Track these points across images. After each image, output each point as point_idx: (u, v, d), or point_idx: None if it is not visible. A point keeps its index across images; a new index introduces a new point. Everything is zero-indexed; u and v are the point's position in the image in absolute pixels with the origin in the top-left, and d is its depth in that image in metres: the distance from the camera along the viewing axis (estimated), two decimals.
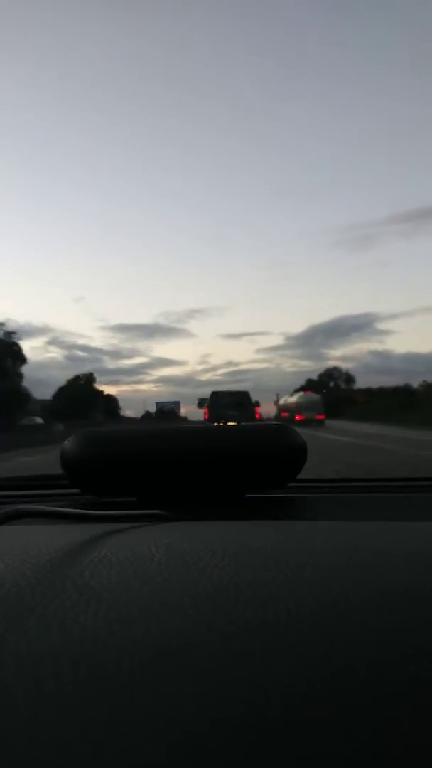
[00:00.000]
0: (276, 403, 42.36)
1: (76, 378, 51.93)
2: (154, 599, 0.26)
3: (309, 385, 69.05)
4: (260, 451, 0.71)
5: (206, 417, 19.00)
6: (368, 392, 60.49)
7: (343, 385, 79.79)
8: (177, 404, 65.50)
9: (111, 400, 58.96)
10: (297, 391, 42.88)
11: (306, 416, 28.66)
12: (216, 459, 0.71)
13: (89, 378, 53.51)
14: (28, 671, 0.20)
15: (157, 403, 67.03)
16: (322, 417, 28.93)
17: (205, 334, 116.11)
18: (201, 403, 19.81)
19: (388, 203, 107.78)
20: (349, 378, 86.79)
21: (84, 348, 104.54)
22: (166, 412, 55.64)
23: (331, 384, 79.14)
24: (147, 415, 58.38)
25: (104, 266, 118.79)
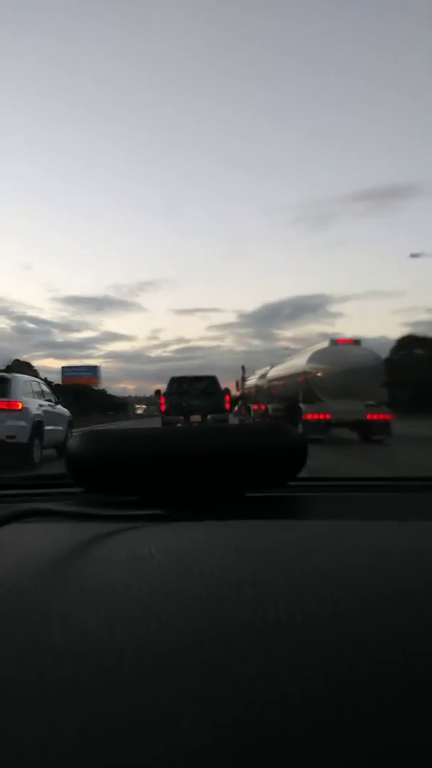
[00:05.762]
0: (240, 384, 23.39)
1: None
2: (154, 598, 0.26)
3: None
4: (260, 450, 0.71)
5: (162, 409, 14.58)
6: None
7: None
8: (96, 369, 61.93)
9: None
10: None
11: (335, 415, 10.93)
12: (217, 458, 0.71)
13: None
14: (30, 669, 0.20)
15: (63, 367, 64.32)
16: (388, 417, 11.01)
17: (156, 308, 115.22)
18: (158, 393, 14.91)
19: (349, 180, 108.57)
20: None
21: (33, 320, 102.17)
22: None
23: None
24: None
25: (53, 234, 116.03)
